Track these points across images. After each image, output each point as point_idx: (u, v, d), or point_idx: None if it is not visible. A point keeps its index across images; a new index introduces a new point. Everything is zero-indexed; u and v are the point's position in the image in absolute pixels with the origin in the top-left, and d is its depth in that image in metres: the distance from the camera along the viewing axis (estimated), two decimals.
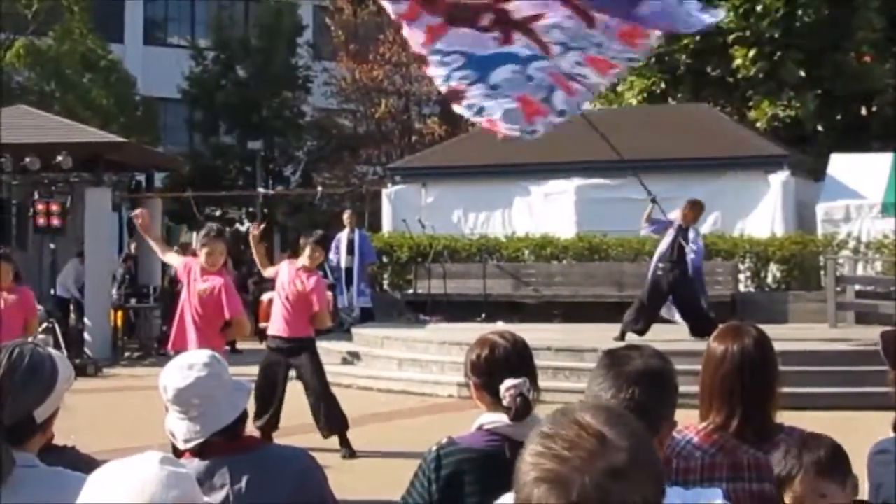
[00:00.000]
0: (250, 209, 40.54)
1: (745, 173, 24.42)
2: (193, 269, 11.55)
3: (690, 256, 18.23)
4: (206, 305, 11.38)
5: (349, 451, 12.90)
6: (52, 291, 23.23)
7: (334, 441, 13.00)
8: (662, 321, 18.65)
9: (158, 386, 4.01)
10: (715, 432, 4.17)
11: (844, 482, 3.81)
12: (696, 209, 18.43)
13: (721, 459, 4.12)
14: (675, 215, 18.42)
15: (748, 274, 24.04)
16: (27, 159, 21.54)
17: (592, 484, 2.00)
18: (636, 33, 14.57)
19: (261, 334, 25.27)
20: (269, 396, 12.86)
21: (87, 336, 22.63)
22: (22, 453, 3.21)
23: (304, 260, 13.14)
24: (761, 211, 24.33)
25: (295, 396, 13.35)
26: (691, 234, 18.31)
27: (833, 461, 3.81)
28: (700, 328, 17.54)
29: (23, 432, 3.27)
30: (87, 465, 3.63)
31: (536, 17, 14.37)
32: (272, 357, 13.21)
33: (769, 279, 24.06)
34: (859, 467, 4.01)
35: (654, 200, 18.20)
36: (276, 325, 13.27)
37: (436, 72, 15.15)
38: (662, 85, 31.57)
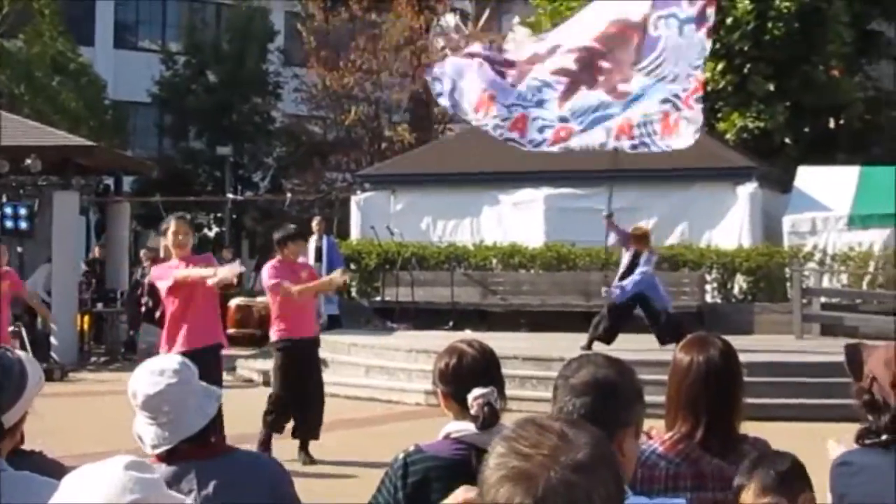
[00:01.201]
0: (219, 214, 40.50)
1: (713, 185, 24.53)
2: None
3: (635, 278, 18.29)
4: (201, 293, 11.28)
5: (310, 459, 12.84)
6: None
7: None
8: (629, 331, 18.71)
9: (127, 390, 4.01)
10: (680, 442, 4.21)
11: (795, 499, 3.83)
12: (639, 240, 18.48)
13: (685, 469, 4.16)
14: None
15: (715, 285, 24.15)
16: None
17: (558, 478, 2.03)
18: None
19: (228, 340, 25.19)
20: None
21: (53, 340, 22.51)
22: None
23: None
24: (729, 222, 24.43)
25: (255, 401, 13.32)
26: (643, 257, 18.37)
27: (784, 477, 3.83)
28: (669, 335, 17.65)
29: None
30: (54, 469, 3.63)
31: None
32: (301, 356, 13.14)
33: (736, 290, 24.16)
34: (823, 478, 4.04)
35: (608, 216, 18.28)
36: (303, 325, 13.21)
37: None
38: None
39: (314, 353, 13.26)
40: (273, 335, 13.12)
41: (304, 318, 13.18)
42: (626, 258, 18.50)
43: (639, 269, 18.31)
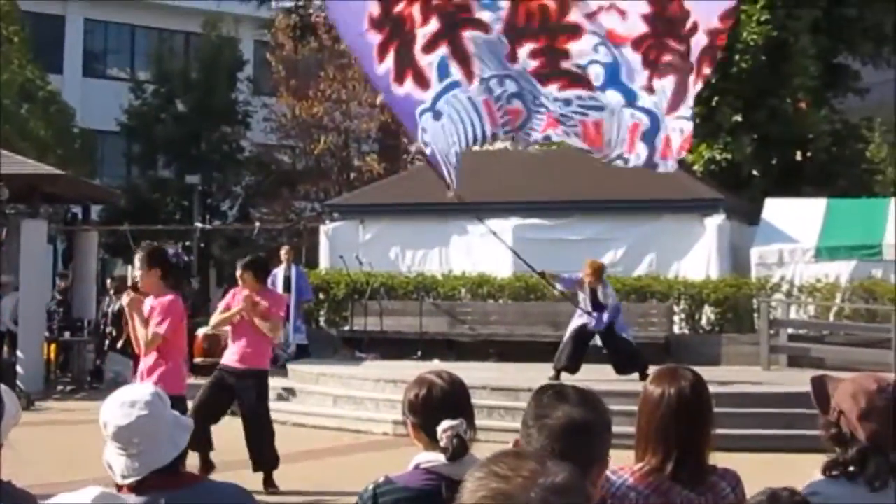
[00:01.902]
0: (187, 243, 40.32)
1: (681, 216, 24.61)
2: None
3: (613, 304, 18.44)
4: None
5: (274, 489, 12.80)
6: None
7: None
8: (592, 361, 18.75)
9: (97, 419, 3.99)
10: (650, 474, 4.22)
11: None
12: (595, 272, 18.57)
13: (655, 500, 4.17)
14: (582, 273, 18.54)
15: (682, 316, 24.21)
16: None
17: (538, 499, 2.05)
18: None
19: (195, 370, 25.12)
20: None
21: (19, 369, 22.38)
22: None
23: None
24: (696, 253, 24.51)
25: (223, 431, 13.27)
26: (601, 291, 18.46)
27: None
28: (631, 366, 17.80)
29: None
30: (23, 499, 3.62)
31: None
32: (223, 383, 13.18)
33: (703, 321, 24.24)
34: None
35: (542, 275, 18.14)
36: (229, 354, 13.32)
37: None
38: None
39: (240, 385, 13.10)
40: None
41: (234, 348, 13.24)
42: (584, 296, 18.54)
43: (611, 298, 18.43)
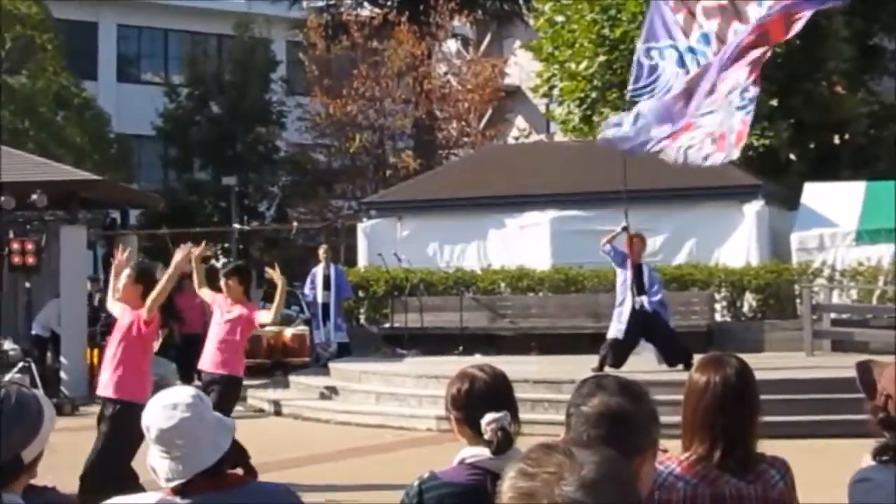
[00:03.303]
0: (226, 245, 40.46)
1: (720, 203, 24.50)
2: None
3: (659, 293, 18.33)
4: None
5: None
6: (30, 330, 23.09)
7: (312, 475, 12.93)
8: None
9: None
10: (697, 463, 4.18)
11: None
12: (640, 241, 18.52)
13: (703, 490, 4.13)
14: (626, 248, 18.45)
15: (724, 303, 24.10)
16: (1, 198, 21.44)
17: (561, 496, 2.02)
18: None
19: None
20: None
21: (63, 374, 22.49)
22: (7, 495, 3.19)
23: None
24: (736, 240, 24.40)
25: (267, 430, 13.30)
26: (645, 270, 18.39)
27: None
28: (677, 357, 17.66)
29: (10, 473, 3.25)
30: None
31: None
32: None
33: (745, 308, 24.12)
34: (840, 496, 4.02)
35: (625, 229, 18.25)
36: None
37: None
38: None
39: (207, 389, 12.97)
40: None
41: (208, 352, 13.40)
42: (627, 275, 18.34)
43: (656, 285, 18.35)
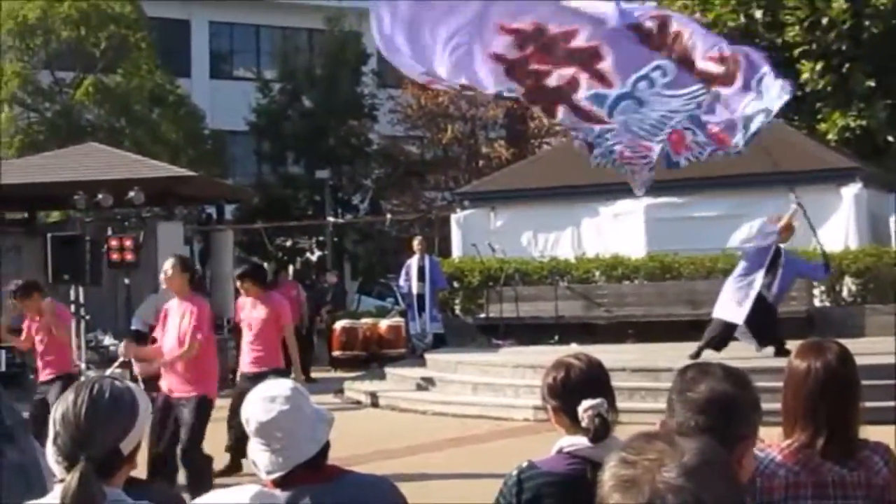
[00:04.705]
0: (320, 238, 40.77)
1: (816, 187, 24.14)
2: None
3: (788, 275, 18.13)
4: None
5: None
6: (129, 325, 23.38)
7: (410, 466, 12.97)
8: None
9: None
10: (799, 451, 4.12)
11: None
12: (788, 229, 18.30)
13: (805, 478, 4.08)
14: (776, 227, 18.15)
15: (823, 288, 23.79)
16: (99, 196, 21.71)
17: (663, 482, 2.02)
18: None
19: (334, 363, 25.38)
20: None
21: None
22: (110, 489, 3.22)
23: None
24: (834, 224, 24.06)
25: (364, 422, 13.35)
26: (783, 254, 18.17)
27: None
28: (770, 341, 17.41)
29: (111, 466, 3.27)
30: (173, 500, 3.65)
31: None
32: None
33: (844, 293, 23.81)
34: None
35: (800, 205, 17.96)
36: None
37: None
38: None
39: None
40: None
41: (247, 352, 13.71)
42: (767, 254, 18.01)
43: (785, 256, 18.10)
